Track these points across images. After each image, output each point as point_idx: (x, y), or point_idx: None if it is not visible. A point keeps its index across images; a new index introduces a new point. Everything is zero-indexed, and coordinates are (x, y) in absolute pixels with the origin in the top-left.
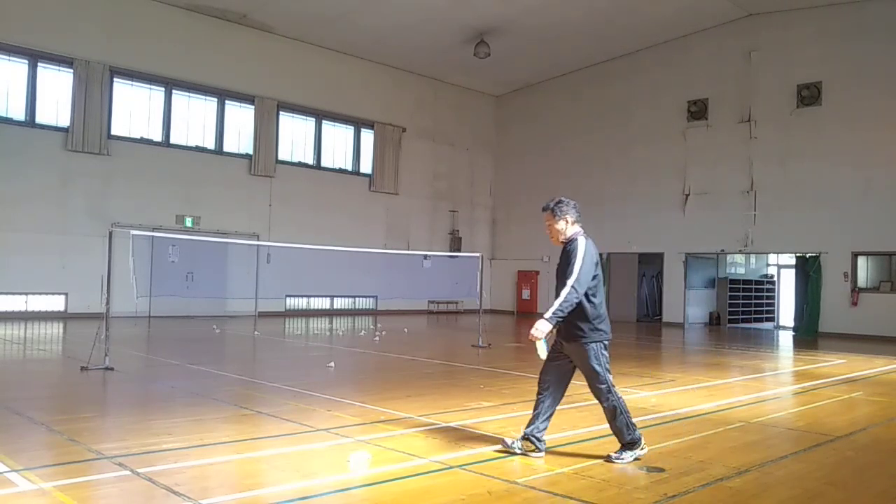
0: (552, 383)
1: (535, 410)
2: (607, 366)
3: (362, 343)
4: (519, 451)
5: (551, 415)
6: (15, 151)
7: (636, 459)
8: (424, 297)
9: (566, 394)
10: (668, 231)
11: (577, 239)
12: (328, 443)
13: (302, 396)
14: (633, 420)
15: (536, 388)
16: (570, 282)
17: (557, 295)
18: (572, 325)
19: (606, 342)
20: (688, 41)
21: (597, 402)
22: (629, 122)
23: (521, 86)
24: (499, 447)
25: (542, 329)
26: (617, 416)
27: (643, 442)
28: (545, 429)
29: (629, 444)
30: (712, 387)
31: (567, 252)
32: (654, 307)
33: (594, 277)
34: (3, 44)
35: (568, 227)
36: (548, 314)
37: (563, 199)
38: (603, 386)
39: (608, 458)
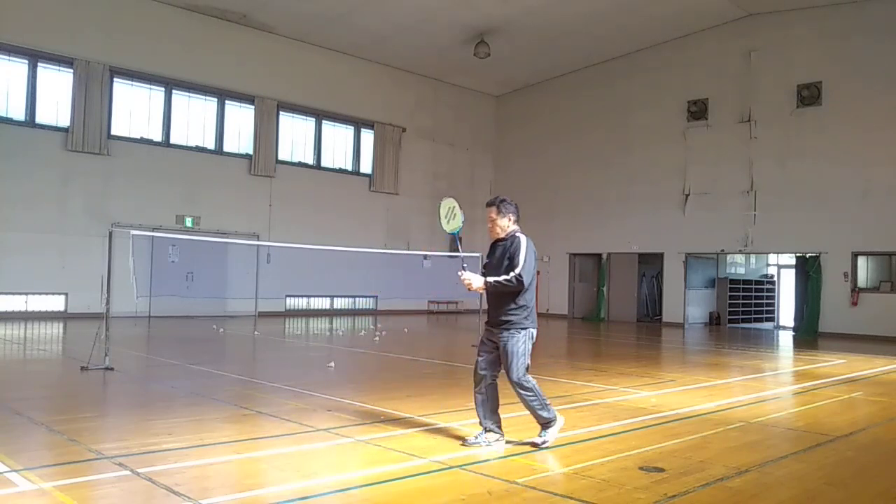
0: (487, 368)
1: (483, 403)
2: (525, 354)
3: (362, 343)
4: (484, 444)
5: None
6: (15, 151)
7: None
8: (424, 297)
9: (565, 394)
10: (668, 231)
11: (518, 236)
12: (328, 443)
13: (302, 396)
14: (547, 399)
15: (474, 380)
16: (517, 270)
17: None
18: (504, 314)
19: (533, 333)
20: (688, 41)
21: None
22: (629, 122)
23: (521, 86)
24: (462, 443)
25: (475, 284)
26: (531, 403)
27: (559, 416)
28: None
29: (547, 422)
30: (712, 387)
31: (508, 247)
32: (654, 307)
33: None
34: (3, 44)
35: (510, 224)
36: (489, 280)
37: (506, 198)
38: (515, 375)
39: (535, 445)
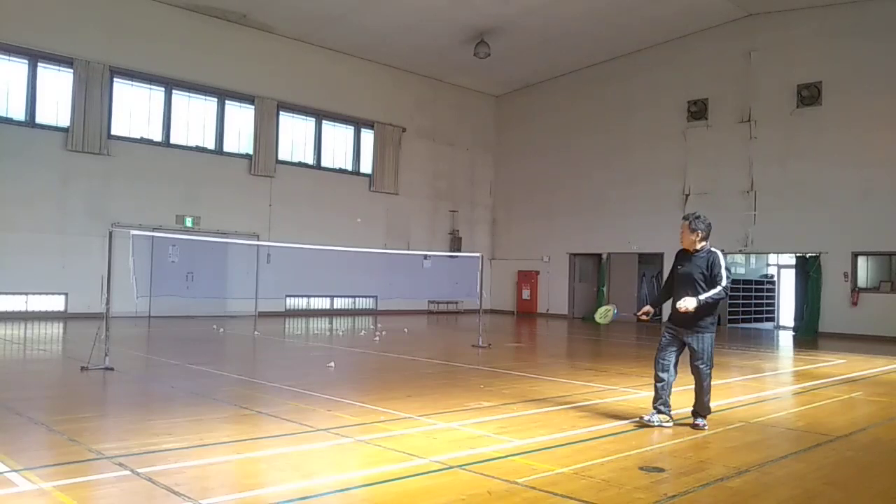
0: (672, 364)
1: (664, 389)
2: (712, 349)
3: (362, 343)
4: (656, 423)
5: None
6: (15, 151)
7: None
8: (424, 297)
9: (565, 394)
10: (668, 231)
11: (715, 252)
12: (328, 443)
13: (302, 396)
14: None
15: (657, 372)
16: (723, 284)
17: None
18: (701, 320)
19: (714, 334)
20: (688, 41)
21: (696, 378)
22: (629, 122)
23: (521, 86)
24: (636, 420)
25: (691, 306)
26: (706, 391)
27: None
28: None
29: (706, 412)
30: (712, 387)
31: (706, 260)
32: None
33: None
34: (3, 44)
35: (696, 241)
36: (701, 297)
37: (700, 215)
38: (704, 366)
39: (695, 426)
